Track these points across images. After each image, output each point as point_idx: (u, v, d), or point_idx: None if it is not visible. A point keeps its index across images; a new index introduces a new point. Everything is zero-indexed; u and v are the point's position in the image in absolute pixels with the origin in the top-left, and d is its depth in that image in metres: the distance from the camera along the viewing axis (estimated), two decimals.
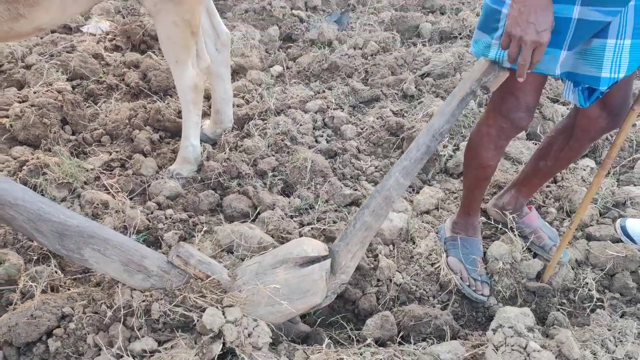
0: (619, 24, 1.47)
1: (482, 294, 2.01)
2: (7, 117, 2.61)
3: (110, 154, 2.57)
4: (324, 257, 1.77)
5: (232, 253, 2.00)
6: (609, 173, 2.64)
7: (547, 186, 2.53)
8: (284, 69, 3.25)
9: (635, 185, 2.57)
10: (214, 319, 1.61)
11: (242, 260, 1.95)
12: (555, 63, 1.54)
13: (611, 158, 1.76)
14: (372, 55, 3.39)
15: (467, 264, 2.07)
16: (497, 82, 1.61)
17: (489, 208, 2.32)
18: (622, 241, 2.22)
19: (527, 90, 1.67)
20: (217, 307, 1.65)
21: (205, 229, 2.13)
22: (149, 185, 2.37)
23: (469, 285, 2.03)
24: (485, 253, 2.16)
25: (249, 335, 1.63)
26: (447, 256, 2.13)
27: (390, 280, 2.05)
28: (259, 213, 2.24)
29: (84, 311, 1.75)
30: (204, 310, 1.64)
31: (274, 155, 2.52)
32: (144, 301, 1.70)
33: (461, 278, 2.03)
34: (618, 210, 2.41)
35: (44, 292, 1.85)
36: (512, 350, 1.65)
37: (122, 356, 1.59)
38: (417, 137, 1.69)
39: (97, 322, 1.70)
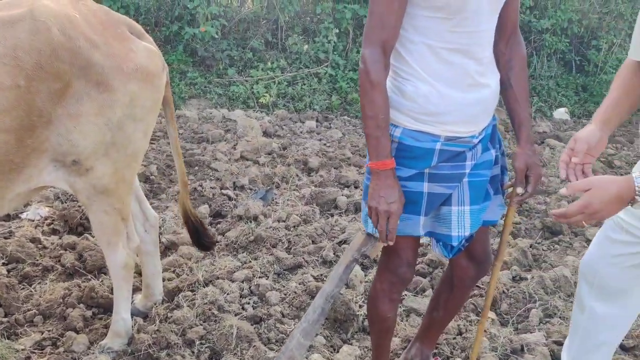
0: (458, 195, 1.89)
1: None
2: None
3: (42, 333, 2.66)
4: None
5: None
6: (508, 322, 2.95)
7: (454, 338, 2.78)
8: None
9: (530, 332, 2.87)
10: None
11: None
12: (417, 226, 1.92)
13: (487, 307, 2.09)
14: (294, 226, 3.75)
15: None
16: (375, 250, 1.94)
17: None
18: None
19: (406, 249, 2.01)
20: None
21: None
22: None
23: None
24: None
25: None
26: None
27: None
28: None
29: None
30: None
31: (202, 325, 2.69)
32: None
33: None
34: (516, 357, 2.67)
35: None
36: None
37: None
38: (314, 301, 1.95)
39: None
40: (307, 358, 2.57)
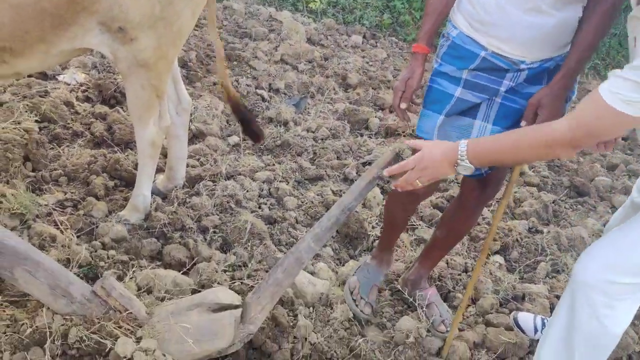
0: (485, 110, 1.93)
1: (361, 310, 2.37)
2: None
3: (65, 194, 2.75)
4: (236, 307, 1.98)
5: (151, 293, 2.18)
6: (515, 270, 2.97)
7: (458, 274, 2.82)
8: (240, 140, 3.54)
9: (535, 283, 2.89)
10: (125, 347, 1.80)
11: (162, 300, 2.13)
12: (434, 124, 1.99)
13: (488, 242, 2.13)
14: (322, 139, 3.73)
15: (362, 284, 2.43)
16: None
17: (400, 282, 2.61)
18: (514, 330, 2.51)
19: None
20: (130, 338, 1.83)
21: (134, 270, 2.31)
22: (97, 227, 2.54)
23: (354, 300, 2.38)
24: (394, 325, 2.42)
25: None
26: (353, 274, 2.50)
27: (306, 339, 2.25)
28: (195, 264, 2.44)
29: (5, 331, 1.89)
30: (117, 339, 1.81)
31: (217, 215, 2.75)
32: (62, 325, 1.86)
33: (352, 292, 2.39)
34: (516, 303, 2.71)
35: None
36: None
37: None
38: (330, 210, 1.96)
39: (16, 341, 1.84)
40: (313, 265, 2.63)
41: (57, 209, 2.63)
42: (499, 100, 1.93)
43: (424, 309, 2.46)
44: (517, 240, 3.17)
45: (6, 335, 1.87)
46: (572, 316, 1.81)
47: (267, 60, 4.71)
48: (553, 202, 3.66)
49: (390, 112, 4.35)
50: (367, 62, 5.23)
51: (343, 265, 2.74)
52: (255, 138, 2.98)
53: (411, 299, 2.53)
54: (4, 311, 1.98)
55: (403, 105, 1.99)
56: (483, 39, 1.86)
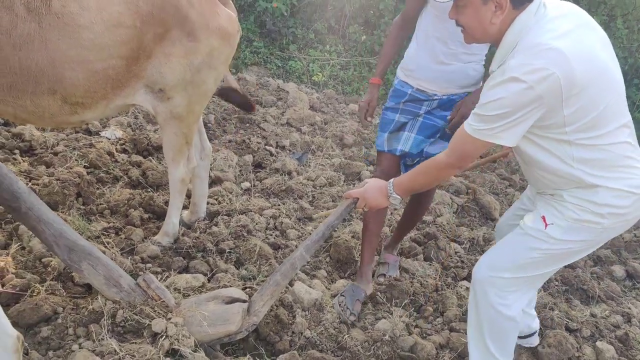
0: (410, 125, 2.91)
1: (347, 318, 2.98)
2: (37, 184, 3.46)
3: (109, 223, 3.38)
4: (244, 301, 2.56)
5: (180, 292, 2.78)
6: None
7: (430, 292, 3.38)
8: (251, 186, 4.20)
9: None
10: (159, 325, 2.37)
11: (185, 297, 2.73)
12: (382, 140, 2.97)
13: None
14: (320, 186, 4.39)
15: (348, 299, 3.04)
16: None
17: (382, 250, 3.44)
18: None
19: (383, 160, 3.02)
20: (162, 319, 2.41)
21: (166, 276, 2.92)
22: (135, 247, 3.16)
23: (342, 309, 2.98)
24: (374, 325, 2.98)
25: (183, 336, 2.37)
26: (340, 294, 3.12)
27: (302, 334, 2.81)
28: (214, 274, 3.04)
29: (70, 312, 2.48)
30: (153, 320, 2.40)
31: (232, 240, 3.36)
32: (112, 307, 2.45)
33: (340, 305, 3.00)
34: None
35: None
36: None
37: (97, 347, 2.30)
38: (318, 227, 2.56)
39: (78, 319, 2.43)
40: (310, 281, 3.22)
41: (103, 233, 3.26)
42: (420, 119, 2.95)
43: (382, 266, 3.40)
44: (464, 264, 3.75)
45: (71, 315, 2.47)
46: (476, 307, 2.39)
47: (275, 123, 5.45)
48: None
49: None
50: (362, 127, 5.96)
51: (334, 282, 3.32)
52: (247, 107, 3.81)
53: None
54: (71, 300, 2.58)
55: (369, 118, 3.11)
56: (411, 80, 2.92)
